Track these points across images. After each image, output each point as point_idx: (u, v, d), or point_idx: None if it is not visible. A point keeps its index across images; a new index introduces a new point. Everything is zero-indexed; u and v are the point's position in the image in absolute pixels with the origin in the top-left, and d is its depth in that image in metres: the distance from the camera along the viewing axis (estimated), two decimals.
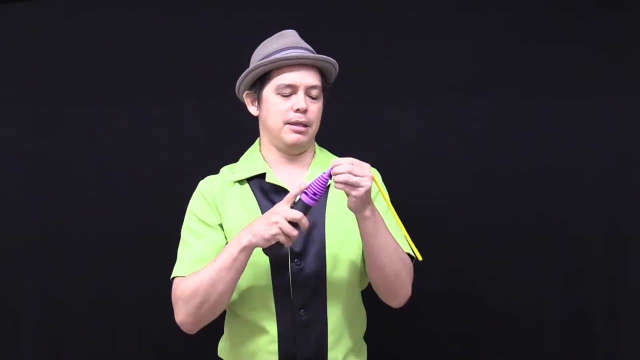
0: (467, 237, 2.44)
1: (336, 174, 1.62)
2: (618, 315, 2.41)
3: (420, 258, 1.71)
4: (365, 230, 1.69)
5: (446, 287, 2.43)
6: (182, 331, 1.77)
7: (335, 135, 2.06)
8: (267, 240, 1.64)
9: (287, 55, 1.78)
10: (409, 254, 1.81)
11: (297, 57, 1.78)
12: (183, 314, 1.73)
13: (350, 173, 1.60)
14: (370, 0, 2.49)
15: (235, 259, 1.67)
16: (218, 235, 1.80)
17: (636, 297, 2.39)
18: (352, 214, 1.71)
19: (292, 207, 1.64)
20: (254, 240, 1.65)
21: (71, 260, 2.55)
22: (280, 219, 1.62)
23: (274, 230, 1.62)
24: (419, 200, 2.41)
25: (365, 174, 1.62)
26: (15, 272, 2.58)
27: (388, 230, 1.73)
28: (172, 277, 1.79)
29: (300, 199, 1.65)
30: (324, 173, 1.64)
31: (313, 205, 1.65)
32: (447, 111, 2.45)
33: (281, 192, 1.80)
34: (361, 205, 1.64)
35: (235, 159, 1.94)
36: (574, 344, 2.43)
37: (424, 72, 2.46)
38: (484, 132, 2.44)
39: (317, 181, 1.64)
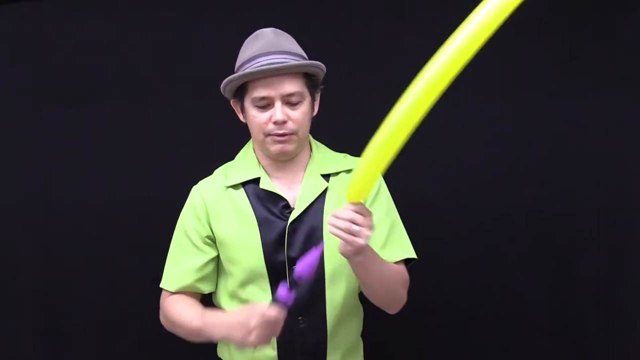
0: (465, 235, 2.43)
1: (335, 223, 1.52)
2: (618, 314, 2.40)
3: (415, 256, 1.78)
4: (356, 270, 1.66)
5: (443, 286, 2.44)
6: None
7: (333, 133, 2.06)
8: (241, 347, 1.66)
9: (255, 69, 1.70)
10: (406, 259, 1.82)
11: (262, 72, 1.69)
12: (164, 323, 1.89)
13: (352, 222, 1.52)
14: None
15: (206, 339, 1.74)
16: (202, 254, 1.82)
17: (636, 296, 2.38)
18: None
19: (273, 302, 1.59)
20: (228, 340, 1.68)
21: (70, 260, 2.57)
22: (257, 336, 1.59)
23: (249, 342, 1.61)
24: (417, 199, 2.40)
25: (369, 223, 1.53)
26: (14, 272, 2.59)
27: (381, 261, 1.70)
28: (161, 285, 1.87)
29: (277, 294, 1.58)
30: (316, 248, 1.57)
31: (290, 303, 1.57)
32: (446, 110, 2.44)
33: (277, 198, 1.79)
34: (356, 254, 1.57)
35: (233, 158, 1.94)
36: (574, 344, 2.43)
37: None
38: (483, 131, 2.44)
39: (305, 262, 1.55)
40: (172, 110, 2.52)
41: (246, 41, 1.81)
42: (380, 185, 1.85)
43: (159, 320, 1.91)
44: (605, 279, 2.40)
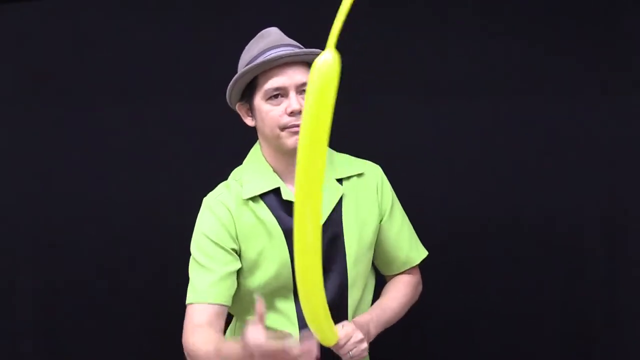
0: (469, 237, 2.44)
1: (345, 355, 1.67)
2: (618, 315, 2.41)
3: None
4: None
5: (443, 286, 2.43)
6: (181, 332, 1.75)
7: (335, 133, 2.04)
8: None
9: (270, 57, 1.68)
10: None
11: (280, 57, 1.67)
12: (189, 349, 1.69)
13: (351, 350, 1.67)
14: None
15: None
16: (234, 259, 1.74)
17: (636, 296, 2.39)
18: (369, 221, 1.80)
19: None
20: None
21: (70, 261, 2.57)
22: None
23: None
24: (417, 199, 2.39)
25: (356, 341, 1.67)
26: (14, 272, 2.60)
27: (389, 312, 1.83)
28: (189, 302, 1.71)
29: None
30: None
31: None
32: (445, 110, 2.45)
33: None
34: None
35: (237, 161, 1.89)
36: (574, 345, 2.43)
37: (424, 70, 2.46)
38: (483, 131, 2.44)
39: None
40: (172, 110, 2.52)
41: (251, 42, 1.78)
42: (392, 192, 1.88)
43: (159, 320, 1.88)
44: (608, 280, 2.41)
